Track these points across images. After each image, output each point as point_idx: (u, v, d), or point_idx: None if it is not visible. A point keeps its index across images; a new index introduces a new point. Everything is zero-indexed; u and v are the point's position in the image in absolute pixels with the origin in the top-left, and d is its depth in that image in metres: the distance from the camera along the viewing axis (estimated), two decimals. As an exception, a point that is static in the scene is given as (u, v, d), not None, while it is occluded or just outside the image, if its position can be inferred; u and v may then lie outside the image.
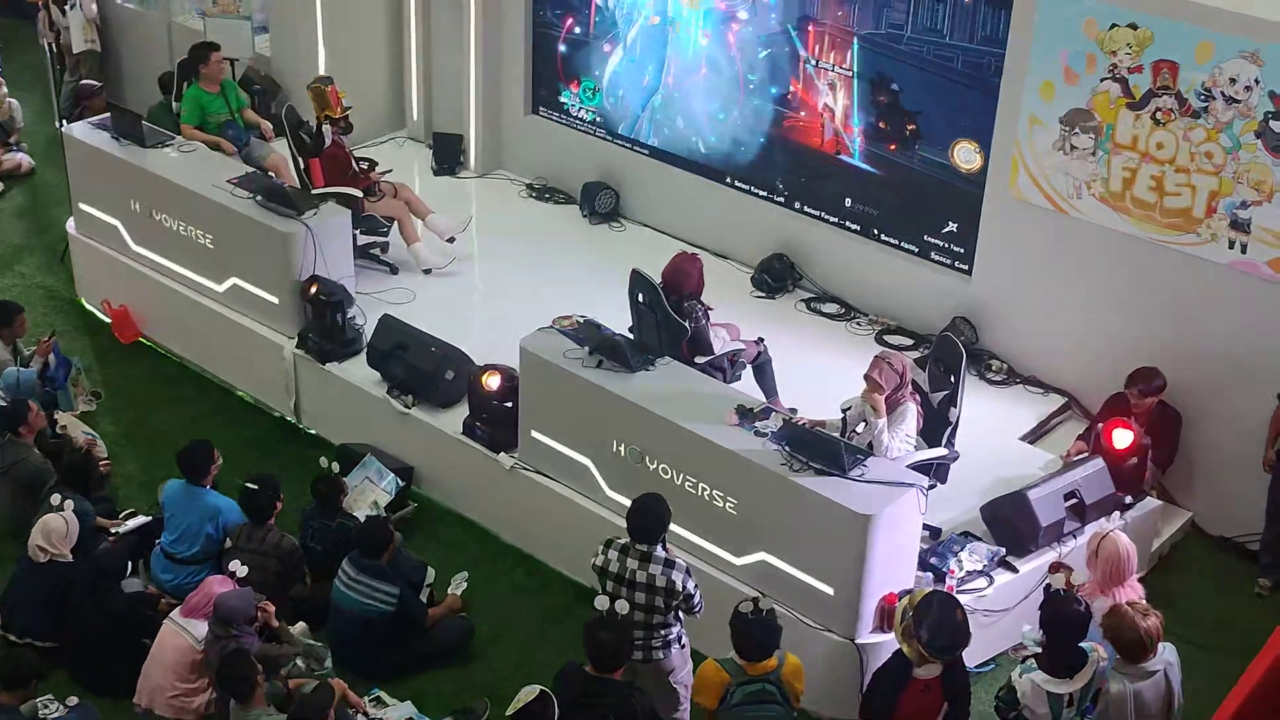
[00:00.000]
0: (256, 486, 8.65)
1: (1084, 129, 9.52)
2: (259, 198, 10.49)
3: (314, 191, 10.92)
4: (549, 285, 11.18)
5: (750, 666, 7.09)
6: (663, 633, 7.53)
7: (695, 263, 9.40)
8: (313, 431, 10.62)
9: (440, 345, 9.90)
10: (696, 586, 7.51)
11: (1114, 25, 9.13)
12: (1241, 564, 9.46)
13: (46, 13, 13.76)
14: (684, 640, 7.65)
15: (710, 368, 9.34)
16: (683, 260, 9.42)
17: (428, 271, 11.24)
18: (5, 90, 13.99)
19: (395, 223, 11.28)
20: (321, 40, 13.05)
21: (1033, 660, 7.16)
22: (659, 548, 7.46)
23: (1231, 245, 9.10)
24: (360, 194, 11.13)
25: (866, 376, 8.50)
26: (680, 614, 7.54)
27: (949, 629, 6.97)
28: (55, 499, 8.56)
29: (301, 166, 11.19)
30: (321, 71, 12.50)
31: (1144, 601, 7.38)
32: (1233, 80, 8.79)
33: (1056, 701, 7.01)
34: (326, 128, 11.08)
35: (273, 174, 11.74)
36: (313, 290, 10.19)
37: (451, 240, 11.43)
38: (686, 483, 8.41)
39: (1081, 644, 7.15)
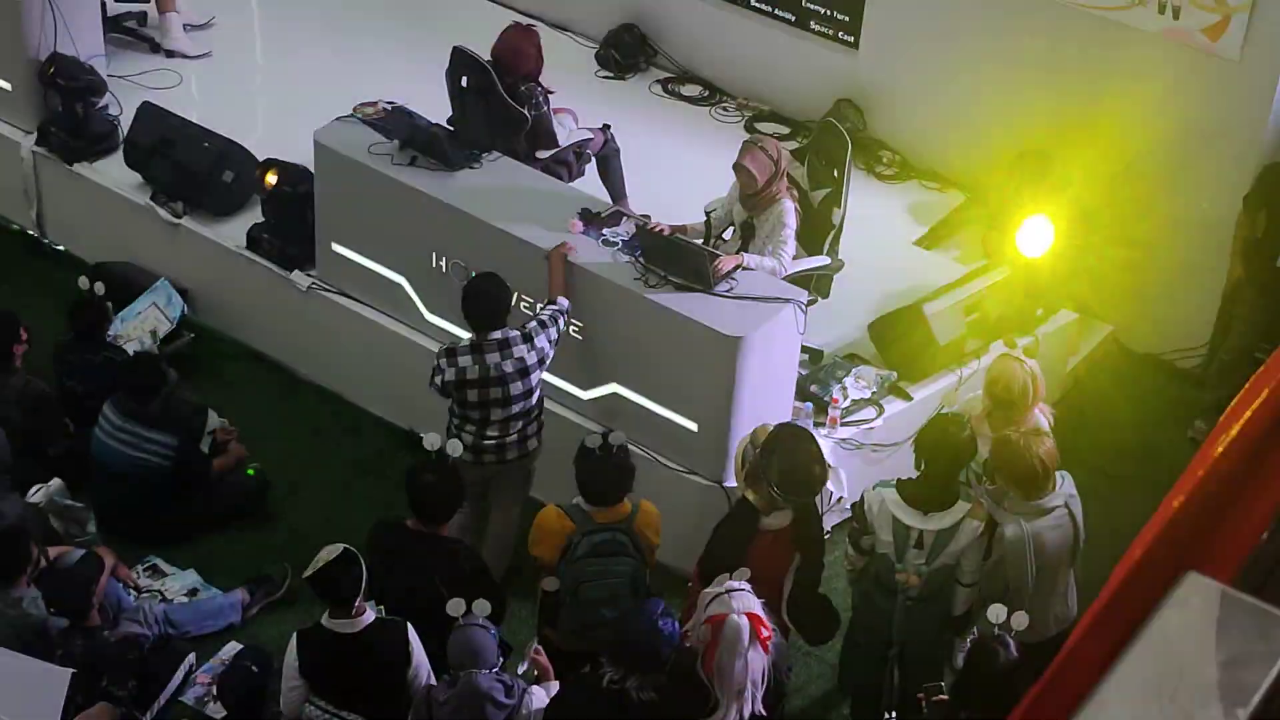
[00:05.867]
0: None
1: None
2: (-21, -43, 10.16)
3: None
4: (347, 65, 11.00)
5: (598, 513, 7.23)
6: (537, 414, 7.95)
7: (531, 36, 9.32)
8: (60, 248, 10.46)
9: (215, 140, 9.76)
10: (552, 323, 7.81)
11: None
12: (1171, 385, 9.81)
13: None
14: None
15: (554, 163, 9.35)
16: (516, 34, 9.34)
17: (170, 54, 11.03)
18: None
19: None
20: None
21: (895, 481, 7.27)
22: (510, 328, 7.73)
23: (1162, 10, 9.24)
24: (116, -50, 10.86)
25: (736, 166, 8.55)
26: None
27: (803, 467, 7.14)
28: None
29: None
30: None
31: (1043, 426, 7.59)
32: None
33: (902, 533, 7.10)
34: None
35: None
36: (53, 73, 9.95)
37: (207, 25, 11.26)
38: (523, 303, 8.44)
39: (965, 491, 7.29)
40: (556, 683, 6.96)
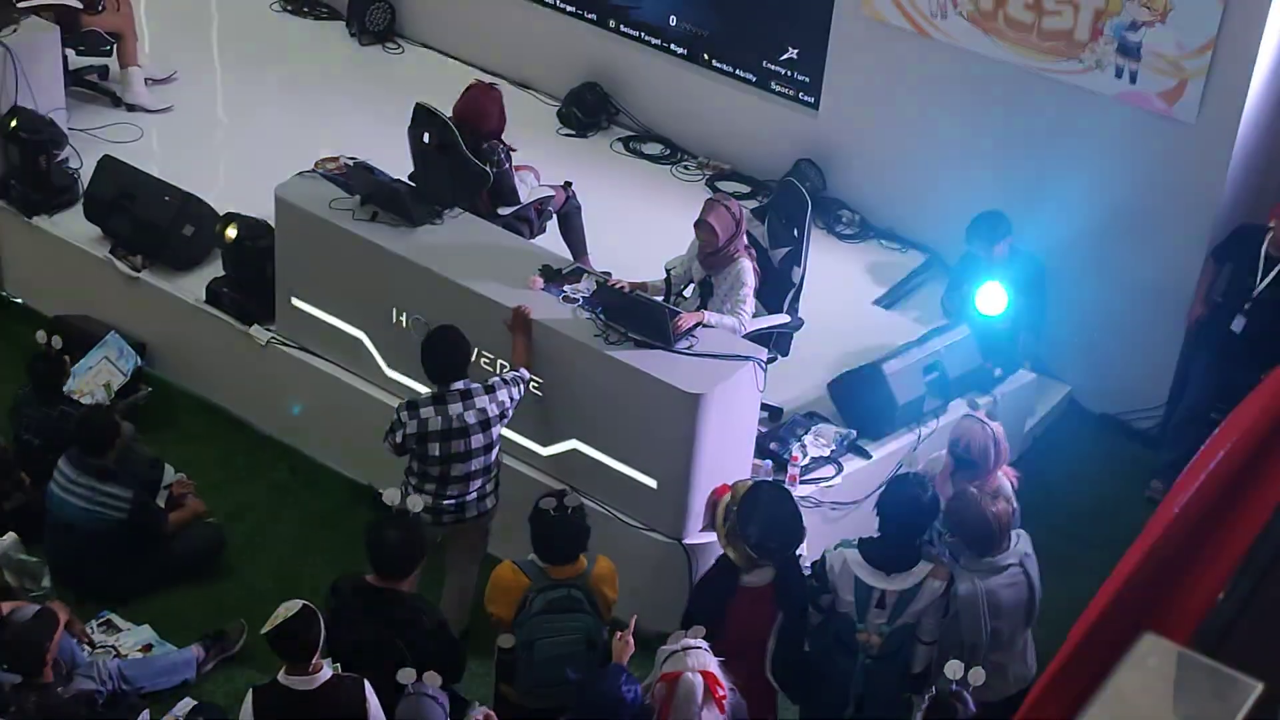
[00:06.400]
0: None
1: (951, -66, 9.65)
2: (-61, 11, 10.16)
3: (20, 4, 10.59)
4: (310, 121, 11.03)
5: (554, 570, 7.22)
6: (495, 472, 7.94)
7: (494, 95, 9.37)
8: (18, 301, 10.42)
9: (176, 194, 9.76)
10: (514, 384, 7.84)
11: None
12: (1127, 445, 9.87)
13: None
14: None
15: (515, 220, 9.38)
16: (479, 92, 9.38)
17: (132, 108, 11.05)
18: None
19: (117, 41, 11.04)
20: None
21: (857, 540, 7.29)
22: (471, 380, 7.77)
23: (1119, 74, 9.34)
24: (80, 5, 10.85)
25: (698, 224, 8.58)
26: None
27: (781, 526, 7.14)
28: None
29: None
30: None
31: (1008, 487, 7.63)
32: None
33: (864, 593, 7.12)
34: None
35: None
36: (14, 126, 9.94)
37: (168, 79, 11.28)
38: (483, 359, 8.45)
39: (927, 551, 7.29)
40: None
